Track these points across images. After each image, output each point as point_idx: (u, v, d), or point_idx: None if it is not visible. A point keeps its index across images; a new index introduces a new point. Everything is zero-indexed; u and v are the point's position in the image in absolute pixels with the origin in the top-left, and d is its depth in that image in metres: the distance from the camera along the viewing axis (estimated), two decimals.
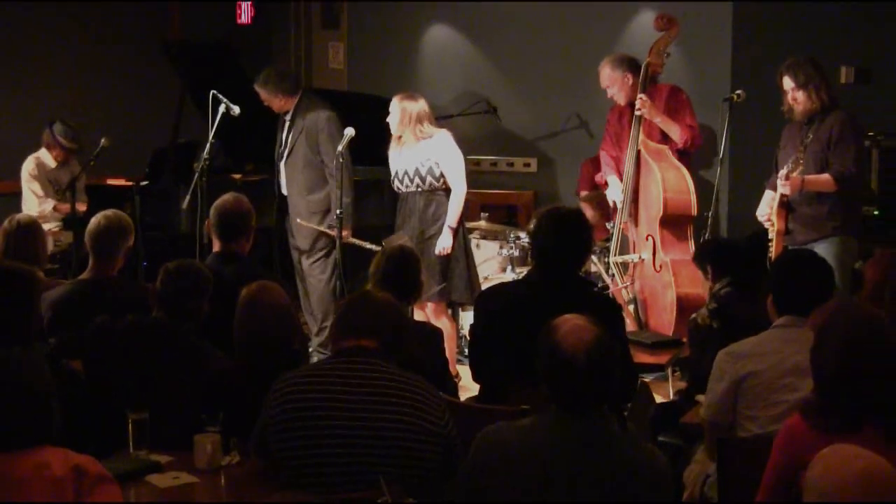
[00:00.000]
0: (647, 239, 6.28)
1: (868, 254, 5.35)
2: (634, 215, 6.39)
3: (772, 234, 5.58)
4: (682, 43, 7.40)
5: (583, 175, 7.61)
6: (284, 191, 6.72)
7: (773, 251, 5.55)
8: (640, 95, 6.22)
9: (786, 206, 5.52)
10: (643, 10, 7.95)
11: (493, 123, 8.24)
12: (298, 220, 6.56)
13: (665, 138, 6.34)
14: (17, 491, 2.53)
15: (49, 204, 7.09)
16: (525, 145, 8.45)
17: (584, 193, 7.36)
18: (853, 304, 4.18)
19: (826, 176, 5.43)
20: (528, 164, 8.45)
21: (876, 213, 7.03)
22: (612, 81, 6.45)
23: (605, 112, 7.48)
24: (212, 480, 3.26)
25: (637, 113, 6.22)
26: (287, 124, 6.66)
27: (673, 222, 6.21)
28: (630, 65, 6.44)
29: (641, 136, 6.26)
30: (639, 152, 6.26)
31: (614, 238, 6.44)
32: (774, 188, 5.62)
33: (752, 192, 6.20)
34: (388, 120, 6.23)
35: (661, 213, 6.17)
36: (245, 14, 9.15)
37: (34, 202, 7.10)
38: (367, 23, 9.00)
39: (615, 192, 6.47)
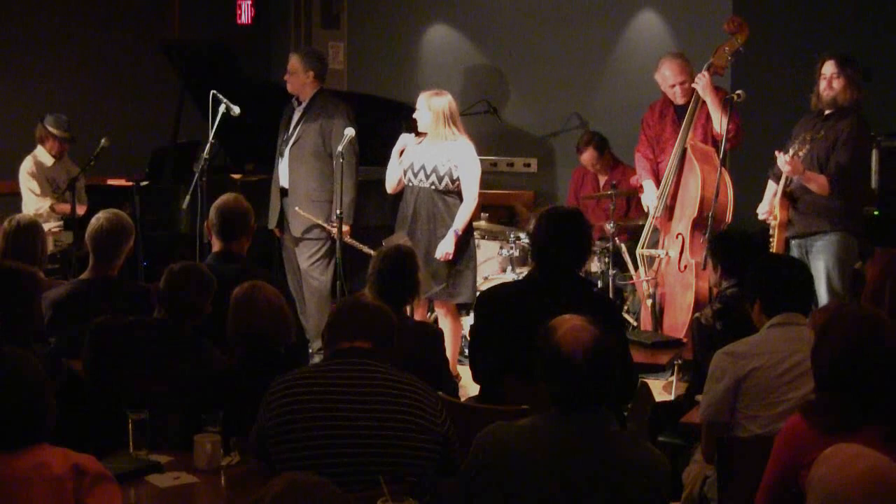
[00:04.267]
0: (677, 237, 6.25)
1: (868, 254, 5.36)
2: (669, 211, 6.34)
3: (773, 230, 5.58)
4: (682, 43, 7.41)
5: (574, 180, 7.62)
6: (284, 182, 6.67)
7: (776, 244, 5.55)
8: (703, 72, 6.12)
9: (788, 196, 5.52)
10: (643, 10, 7.96)
11: (493, 123, 8.23)
12: (296, 208, 6.51)
13: (707, 140, 6.30)
14: (17, 490, 2.54)
15: (46, 202, 7.09)
16: (525, 145, 8.45)
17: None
18: (853, 304, 4.19)
19: (822, 178, 5.44)
20: (528, 164, 8.45)
21: (876, 213, 7.03)
22: (689, 74, 6.33)
23: (605, 112, 7.52)
24: (212, 480, 3.26)
25: (694, 85, 6.12)
26: (299, 113, 6.62)
27: (706, 224, 6.17)
28: None
29: (690, 135, 6.22)
30: (685, 150, 6.22)
31: (646, 230, 6.42)
32: (777, 180, 5.62)
33: (753, 192, 6.19)
34: (415, 116, 6.17)
35: (695, 214, 6.12)
36: (245, 14, 9.15)
37: (32, 200, 7.11)
38: (367, 23, 9.00)
39: (650, 198, 6.43)
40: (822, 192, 5.45)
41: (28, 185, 7.16)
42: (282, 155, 6.67)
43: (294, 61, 6.58)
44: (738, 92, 5.93)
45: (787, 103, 5.72)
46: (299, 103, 6.65)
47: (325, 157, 6.51)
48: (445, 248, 6.00)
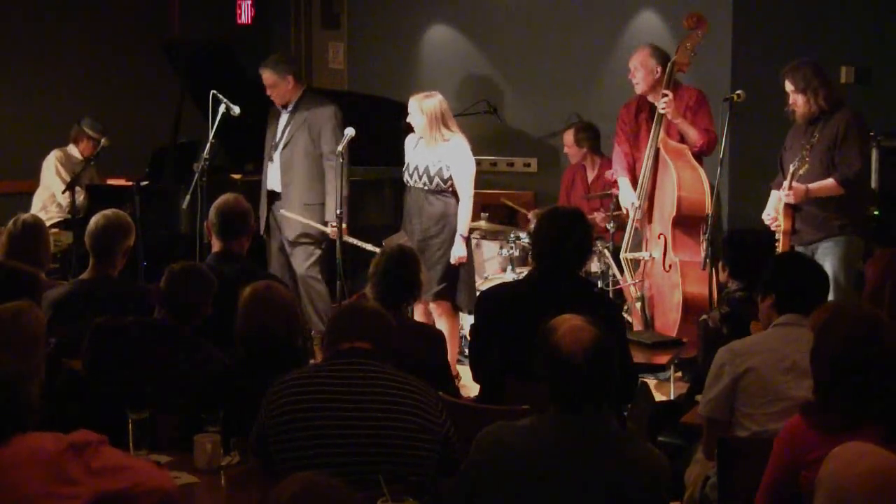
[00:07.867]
0: (658, 237, 6.26)
1: (869, 253, 5.36)
2: (649, 213, 6.36)
3: (779, 235, 5.58)
4: None
5: (564, 183, 7.61)
6: (273, 185, 6.67)
7: (781, 250, 5.54)
8: (665, 92, 6.15)
9: (792, 205, 5.52)
10: (643, 10, 7.95)
11: (493, 123, 8.23)
12: (282, 212, 6.52)
13: (682, 139, 6.31)
14: (12, 478, 2.53)
15: (66, 196, 7.08)
16: (525, 145, 8.45)
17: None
18: (851, 304, 4.19)
19: (830, 181, 5.43)
20: (528, 164, 8.45)
21: (876, 212, 7.03)
22: (645, 66, 6.30)
23: (605, 112, 7.50)
24: (212, 480, 3.26)
25: (661, 111, 6.15)
26: (286, 116, 6.64)
27: (686, 222, 6.15)
28: (663, 59, 6.37)
29: (662, 134, 6.22)
30: (658, 150, 6.23)
31: (627, 234, 6.42)
32: (780, 188, 5.61)
33: (752, 192, 6.21)
34: (408, 120, 6.18)
35: (674, 213, 6.12)
36: (245, 14, 9.15)
37: (58, 185, 7.11)
38: (367, 23, 8.99)
39: (626, 196, 6.43)
40: (837, 193, 5.44)
41: (59, 172, 7.20)
42: (271, 159, 6.68)
43: (268, 76, 6.57)
44: (738, 92, 5.92)
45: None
46: (285, 107, 6.67)
47: (316, 157, 6.52)
48: (458, 254, 6.10)
